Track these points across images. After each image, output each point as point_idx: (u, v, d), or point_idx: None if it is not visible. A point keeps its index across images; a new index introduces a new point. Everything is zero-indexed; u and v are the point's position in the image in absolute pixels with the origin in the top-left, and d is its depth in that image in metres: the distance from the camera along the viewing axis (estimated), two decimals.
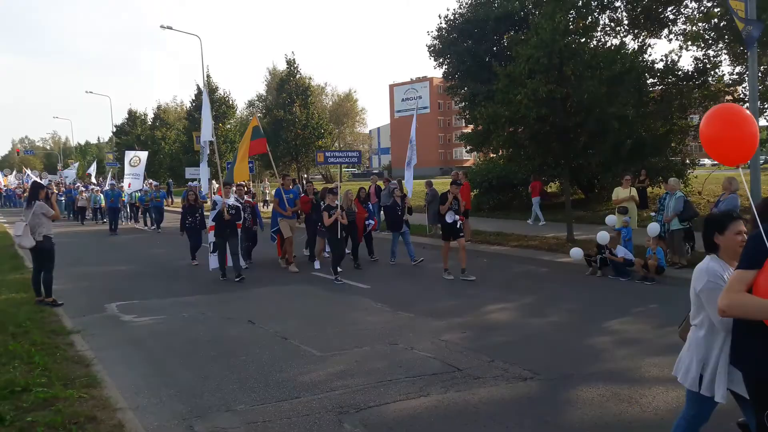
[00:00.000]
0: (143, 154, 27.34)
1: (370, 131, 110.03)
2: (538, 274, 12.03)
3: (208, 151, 13.57)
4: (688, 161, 22.77)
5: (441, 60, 28.32)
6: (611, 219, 12.03)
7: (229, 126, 51.94)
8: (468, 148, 26.53)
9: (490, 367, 6.29)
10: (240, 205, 12.36)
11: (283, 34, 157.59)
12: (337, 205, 11.70)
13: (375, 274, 12.25)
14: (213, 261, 12.16)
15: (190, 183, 23.11)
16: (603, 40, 21.62)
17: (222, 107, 49.59)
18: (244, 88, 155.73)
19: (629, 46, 20.16)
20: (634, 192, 13.52)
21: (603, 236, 11.18)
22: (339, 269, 11.54)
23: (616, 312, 8.56)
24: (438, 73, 31.84)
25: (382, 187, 18.73)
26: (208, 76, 47.88)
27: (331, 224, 11.45)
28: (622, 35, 22.76)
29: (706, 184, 23.42)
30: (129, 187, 25.83)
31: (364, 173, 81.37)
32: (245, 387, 5.88)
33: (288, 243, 12.96)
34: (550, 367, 6.21)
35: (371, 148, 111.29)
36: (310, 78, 51.38)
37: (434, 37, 28.28)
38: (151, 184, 27.31)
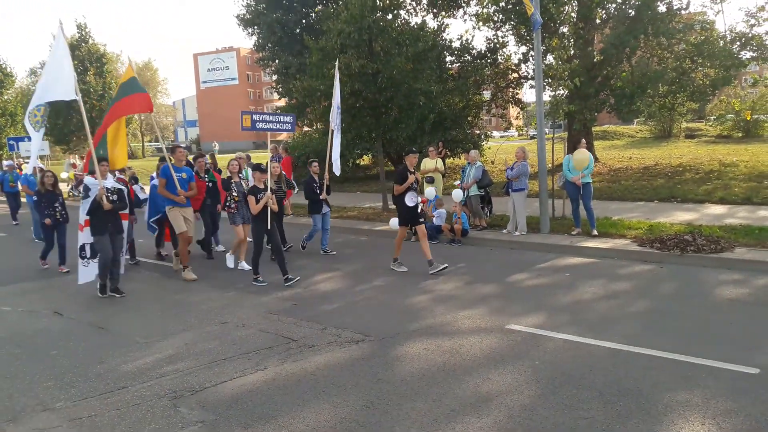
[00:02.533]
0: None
1: (174, 102, 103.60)
2: (359, 243, 12.54)
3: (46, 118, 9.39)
4: (481, 133, 25.03)
5: (251, 30, 27.61)
6: (456, 194, 12.28)
7: (7, 97, 45.44)
8: None
9: (323, 334, 6.50)
10: (123, 187, 9.12)
11: None
12: (266, 186, 9.20)
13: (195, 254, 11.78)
14: (88, 271, 8.93)
15: (7, 161, 17.60)
16: (405, 18, 22.70)
17: None
18: (25, 55, 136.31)
19: (430, 26, 21.48)
20: (440, 163, 14.59)
21: (457, 194, 11.94)
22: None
23: (430, 275, 9.27)
24: (246, 44, 31.06)
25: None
26: None
27: (259, 211, 8.91)
28: (422, 14, 24.16)
29: (498, 153, 26.07)
30: None
31: (169, 147, 76.68)
32: (62, 383, 5.40)
33: (183, 241, 9.77)
34: (379, 329, 6.60)
35: (176, 121, 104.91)
36: (105, 45, 46.88)
37: (243, 6, 27.43)
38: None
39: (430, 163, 14.22)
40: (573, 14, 21.27)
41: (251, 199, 8.93)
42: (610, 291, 7.78)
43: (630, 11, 19.90)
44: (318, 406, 4.77)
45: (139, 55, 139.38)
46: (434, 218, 12.21)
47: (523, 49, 23.23)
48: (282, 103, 30.61)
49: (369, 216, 15.06)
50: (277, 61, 27.36)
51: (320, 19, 22.01)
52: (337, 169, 11.83)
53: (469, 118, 23.10)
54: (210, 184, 11.26)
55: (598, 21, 21.75)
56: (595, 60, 20.80)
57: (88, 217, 8.62)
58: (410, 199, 9.36)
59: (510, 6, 20.83)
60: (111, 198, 8.48)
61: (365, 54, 16.01)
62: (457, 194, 12.03)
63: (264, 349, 6.09)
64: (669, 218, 12.05)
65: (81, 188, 8.48)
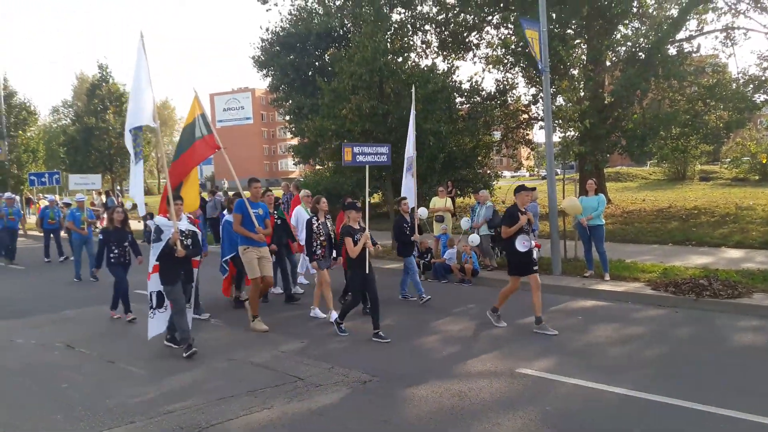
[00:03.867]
0: None
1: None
2: None
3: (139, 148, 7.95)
4: (491, 173, 25.14)
5: (265, 71, 28.27)
6: (474, 238, 12.18)
7: (30, 134, 46.47)
8: (296, 159, 26.74)
9: (330, 373, 6.44)
10: (198, 231, 7.97)
11: (91, 38, 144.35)
12: (362, 227, 8.25)
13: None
14: (155, 323, 7.69)
15: (78, 195, 15.41)
16: (416, 61, 23.15)
17: (22, 113, 44.40)
18: (47, 94, 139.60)
19: (440, 68, 21.88)
20: (449, 202, 14.64)
21: (474, 238, 11.93)
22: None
23: (440, 313, 9.22)
24: (260, 84, 31.74)
25: (207, 198, 18.12)
26: (5, 79, 42.66)
27: (358, 255, 7.93)
28: (433, 57, 24.65)
29: (508, 194, 26.04)
30: None
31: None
32: (71, 416, 5.39)
33: (255, 287, 8.57)
34: (387, 369, 6.53)
35: None
36: (125, 84, 48.10)
37: (258, 48, 28.15)
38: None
39: (439, 202, 14.27)
40: (583, 57, 21.60)
41: (348, 240, 7.83)
42: (624, 335, 7.67)
43: (640, 54, 20.15)
44: None
45: (157, 95, 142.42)
46: (445, 259, 12.18)
47: (533, 90, 23.58)
48: (295, 142, 31.02)
49: (379, 254, 15.02)
50: (290, 101, 27.87)
51: (332, 61, 22.50)
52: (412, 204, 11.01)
53: (479, 158, 23.26)
54: (279, 221, 10.33)
55: (608, 63, 22.05)
56: (605, 101, 21.01)
57: (157, 263, 7.47)
58: (522, 244, 7.88)
59: (519, 49, 21.19)
60: (185, 242, 7.44)
61: (376, 95, 16.30)
62: (474, 239, 12.00)
63: (270, 387, 6.04)
64: (684, 262, 11.90)
65: (152, 229, 7.45)
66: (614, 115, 20.67)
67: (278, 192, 14.90)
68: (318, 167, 28.85)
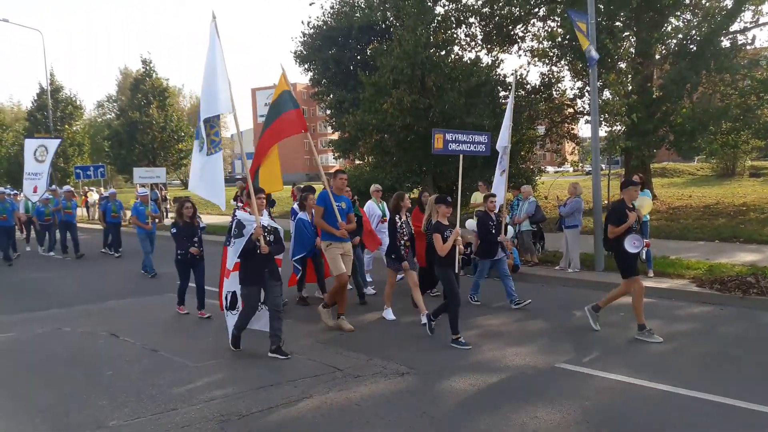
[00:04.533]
0: (53, 143, 18.31)
1: (232, 135, 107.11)
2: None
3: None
4: (534, 168, 24.81)
5: (307, 66, 28.49)
6: (471, 223, 12.59)
7: (76, 128, 48.11)
8: (336, 154, 26.92)
9: (368, 365, 6.48)
10: (279, 227, 7.39)
11: (134, 32, 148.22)
12: (452, 224, 7.63)
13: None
14: (237, 322, 7.24)
15: (141, 189, 14.82)
16: (460, 54, 23.00)
17: (68, 108, 45.94)
18: (92, 89, 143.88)
19: (484, 61, 21.66)
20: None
21: (471, 223, 11.83)
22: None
23: (480, 308, 9.16)
24: (302, 79, 32.09)
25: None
26: (52, 75, 44.12)
27: (448, 253, 7.32)
28: (477, 50, 24.39)
29: (551, 189, 25.70)
30: (35, 192, 17.07)
31: (228, 179, 79.00)
32: (116, 403, 5.57)
33: (341, 284, 7.96)
34: (425, 362, 6.54)
35: (233, 153, 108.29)
36: (168, 79, 49.27)
37: (300, 43, 28.37)
38: (54, 190, 17.77)
39: (480, 198, 14.15)
40: (631, 49, 21.04)
41: (437, 238, 7.25)
42: (667, 332, 7.47)
43: (692, 46, 19.52)
44: None
45: (199, 89, 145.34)
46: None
47: (579, 84, 23.10)
48: (335, 136, 31.24)
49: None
50: (331, 95, 28.05)
51: (374, 55, 22.54)
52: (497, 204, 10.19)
53: (522, 153, 22.98)
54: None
55: (657, 56, 21.42)
56: (654, 96, 20.43)
57: (239, 260, 7.04)
58: (632, 244, 7.16)
59: (566, 41, 20.79)
60: (268, 239, 6.96)
61: (417, 89, 16.26)
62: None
63: (310, 377, 6.12)
64: (730, 259, 11.53)
65: (233, 224, 7.01)
66: (662, 110, 20.06)
67: (317, 186, 14.97)
68: (358, 162, 28.98)
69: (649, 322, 7.37)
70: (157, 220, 14.29)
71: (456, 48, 22.14)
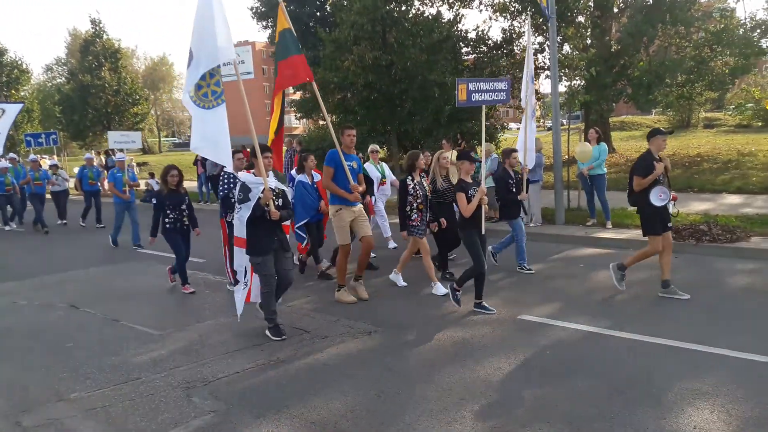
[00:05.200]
0: (13, 107, 17.73)
1: None
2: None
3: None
4: (497, 125, 24.86)
5: (265, 23, 27.71)
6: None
7: (24, 93, 46.06)
8: (298, 115, 26.48)
9: (336, 325, 6.51)
10: (286, 188, 7.25)
11: None
12: (477, 182, 6.93)
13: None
14: (244, 297, 6.43)
15: (119, 155, 13.50)
16: (420, 9, 22.64)
17: (14, 72, 43.81)
18: (39, 52, 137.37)
19: (445, 17, 21.37)
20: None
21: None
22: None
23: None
24: (261, 37, 31.17)
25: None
26: None
27: (472, 214, 6.66)
28: (438, 5, 24.02)
29: (515, 145, 25.77)
30: None
31: (186, 143, 77.17)
32: (77, 374, 5.48)
33: (343, 254, 7.44)
34: (391, 320, 6.60)
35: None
36: (119, 40, 47.33)
37: None
38: (14, 159, 16.68)
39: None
40: (590, 3, 21.04)
41: (461, 197, 6.60)
42: (627, 282, 7.68)
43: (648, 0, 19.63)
44: (329, 395, 4.79)
45: (154, 50, 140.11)
46: None
47: (540, 39, 23.04)
48: (297, 96, 30.66)
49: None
50: None
51: (333, 10, 22.02)
52: (531, 162, 9.89)
53: (486, 110, 22.95)
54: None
55: (615, 10, 21.49)
56: (612, 49, 20.57)
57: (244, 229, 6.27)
58: (658, 197, 6.71)
59: None
60: (277, 202, 6.18)
61: (379, 45, 15.99)
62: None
63: (277, 340, 6.12)
64: (685, 208, 11.87)
65: (237, 189, 6.18)
66: (620, 63, 20.25)
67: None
68: (321, 122, 28.60)
69: (607, 271, 7.54)
70: (135, 189, 12.87)
71: (417, 3, 21.78)
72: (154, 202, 8.37)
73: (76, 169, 15.83)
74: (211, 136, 6.22)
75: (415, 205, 7.71)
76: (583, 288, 7.61)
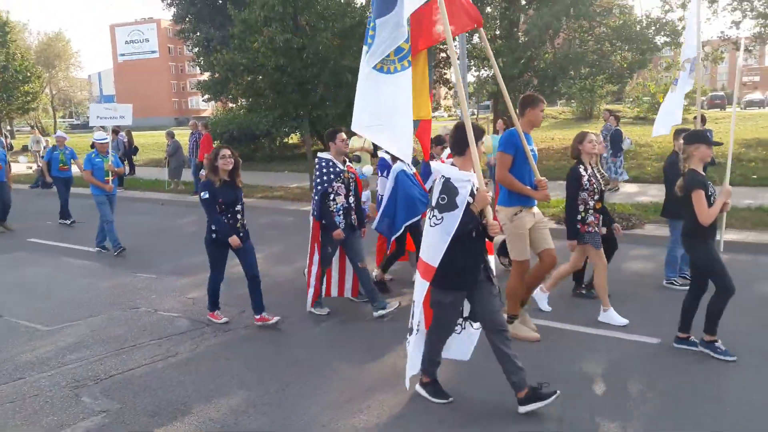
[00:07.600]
0: None
1: (89, 76, 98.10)
2: (284, 224, 12.27)
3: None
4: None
5: (170, 1, 26.39)
6: (368, 169, 12.14)
7: None
8: (205, 96, 25.47)
9: (241, 317, 6.29)
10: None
11: None
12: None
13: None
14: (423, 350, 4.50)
15: (98, 135, 10.17)
16: None
17: None
18: None
19: (357, 2, 21.17)
20: (368, 142, 14.43)
21: (368, 170, 11.70)
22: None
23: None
24: (166, 14, 29.66)
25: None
26: None
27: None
28: None
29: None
30: None
31: (83, 124, 72.77)
32: None
33: (520, 273, 5.55)
34: (302, 310, 6.44)
35: (92, 96, 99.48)
36: (8, 12, 43.59)
37: None
38: None
39: (357, 142, 14.02)
40: None
41: (699, 195, 4.78)
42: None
43: None
44: (231, 390, 4.62)
45: (50, 26, 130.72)
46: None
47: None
48: (205, 77, 29.50)
49: (296, 196, 14.78)
50: (198, 33, 26.30)
51: None
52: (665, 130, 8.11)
53: None
54: None
55: (523, 2, 22.12)
56: (519, 41, 21.18)
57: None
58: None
59: None
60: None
61: (290, 28, 15.57)
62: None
63: (176, 334, 5.84)
64: None
65: (438, 190, 4.03)
66: (527, 55, 20.91)
67: (184, 131, 14.07)
68: (231, 105, 27.69)
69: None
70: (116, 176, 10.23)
71: None
72: (206, 196, 5.84)
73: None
74: (386, 114, 4.37)
75: (591, 203, 5.79)
76: None
